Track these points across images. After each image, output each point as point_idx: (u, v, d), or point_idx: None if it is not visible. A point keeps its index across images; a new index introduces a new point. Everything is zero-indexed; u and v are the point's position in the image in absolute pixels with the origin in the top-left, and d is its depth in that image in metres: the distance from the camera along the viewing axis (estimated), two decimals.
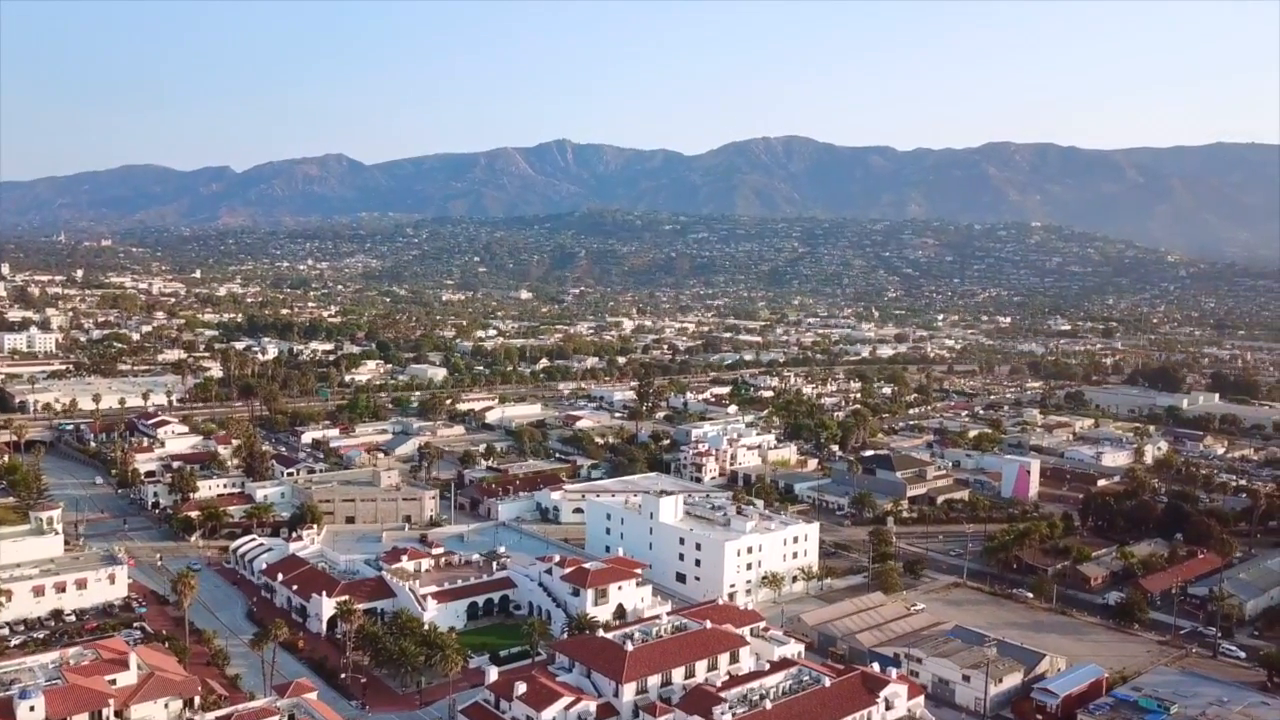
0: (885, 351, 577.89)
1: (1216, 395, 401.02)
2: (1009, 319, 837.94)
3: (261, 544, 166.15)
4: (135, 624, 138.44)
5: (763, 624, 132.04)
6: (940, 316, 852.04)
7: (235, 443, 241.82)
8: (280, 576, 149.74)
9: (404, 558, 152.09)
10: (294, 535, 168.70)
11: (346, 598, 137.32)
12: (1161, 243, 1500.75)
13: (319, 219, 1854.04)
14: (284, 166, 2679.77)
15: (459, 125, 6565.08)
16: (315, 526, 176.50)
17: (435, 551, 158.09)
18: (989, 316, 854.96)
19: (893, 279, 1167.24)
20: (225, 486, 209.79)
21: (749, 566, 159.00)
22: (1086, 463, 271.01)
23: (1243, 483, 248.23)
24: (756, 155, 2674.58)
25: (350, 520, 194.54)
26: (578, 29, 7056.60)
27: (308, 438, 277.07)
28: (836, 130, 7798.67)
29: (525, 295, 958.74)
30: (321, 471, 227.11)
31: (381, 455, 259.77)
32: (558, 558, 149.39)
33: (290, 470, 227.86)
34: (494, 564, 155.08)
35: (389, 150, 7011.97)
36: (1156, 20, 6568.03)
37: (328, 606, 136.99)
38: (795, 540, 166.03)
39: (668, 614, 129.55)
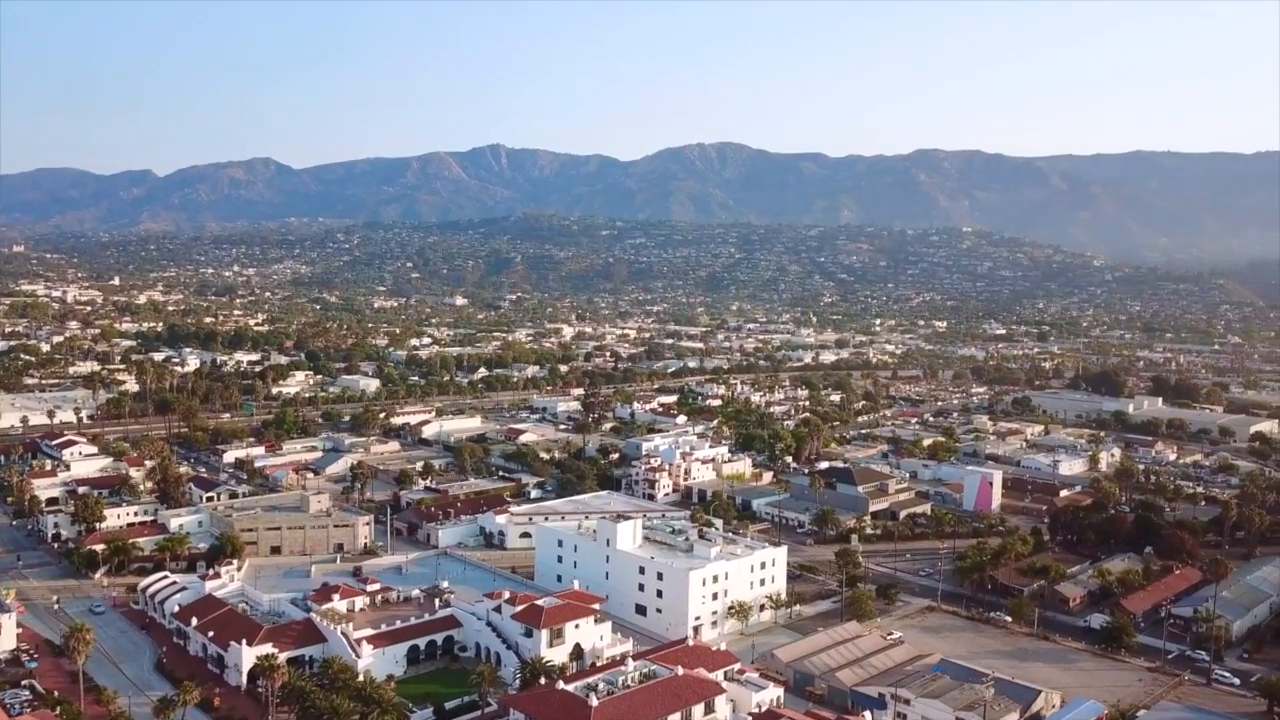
0: (827, 357, 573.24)
1: (1160, 400, 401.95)
2: (944, 323, 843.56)
3: (174, 582, 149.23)
4: (24, 682, 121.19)
5: (737, 666, 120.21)
6: (877, 321, 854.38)
7: (149, 464, 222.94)
8: (195, 621, 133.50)
9: (335, 596, 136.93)
10: (211, 572, 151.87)
11: (270, 646, 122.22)
12: (1086, 247, 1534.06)
13: (246, 224, 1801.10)
14: (209, 170, 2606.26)
15: (390, 129, 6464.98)
16: (235, 561, 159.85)
17: (370, 588, 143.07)
18: (925, 321, 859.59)
19: (828, 284, 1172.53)
20: (136, 515, 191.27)
21: (714, 597, 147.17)
22: (1044, 472, 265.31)
23: (1201, 490, 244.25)
24: (691, 161, 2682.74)
25: (276, 550, 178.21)
26: (510, 32, 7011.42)
27: (230, 457, 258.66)
28: (769, 137, 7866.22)
29: (460, 301, 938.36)
30: (244, 496, 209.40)
31: (311, 475, 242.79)
32: (507, 594, 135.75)
33: (210, 494, 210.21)
34: (436, 601, 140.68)
35: (318, 154, 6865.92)
36: (1074, 31, 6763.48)
37: (248, 656, 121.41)
38: (763, 566, 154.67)
39: (633, 657, 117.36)
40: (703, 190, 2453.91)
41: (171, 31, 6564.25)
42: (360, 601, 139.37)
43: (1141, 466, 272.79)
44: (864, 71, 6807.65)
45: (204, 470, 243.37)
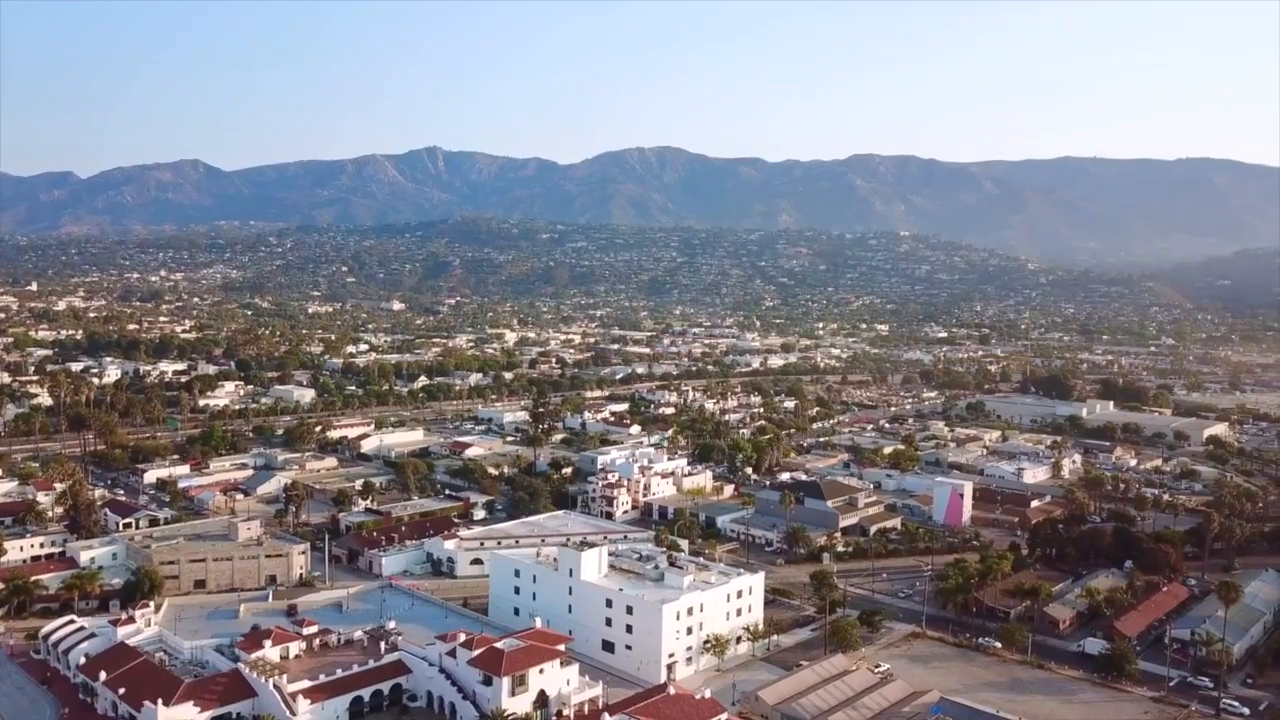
0: (775, 362, 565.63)
1: (1110, 403, 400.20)
2: (886, 326, 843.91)
3: (82, 628, 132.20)
4: None
5: (724, 716, 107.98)
6: (819, 325, 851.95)
7: (59, 487, 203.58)
8: (104, 674, 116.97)
9: (267, 642, 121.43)
10: (125, 615, 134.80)
11: (190, 705, 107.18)
12: (1019, 251, 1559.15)
13: (173, 228, 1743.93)
14: (134, 172, 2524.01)
15: (324, 131, 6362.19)
16: (152, 602, 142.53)
17: (307, 631, 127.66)
18: (866, 324, 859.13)
19: (769, 288, 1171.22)
20: (42, 547, 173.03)
21: (689, 631, 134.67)
22: (1010, 481, 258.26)
23: (1167, 498, 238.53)
24: (630, 165, 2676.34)
25: (200, 584, 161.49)
26: (447, 34, 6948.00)
27: (151, 477, 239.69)
28: (707, 142, 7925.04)
29: (398, 306, 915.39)
30: (165, 523, 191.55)
31: (240, 496, 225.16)
32: (463, 635, 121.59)
33: (127, 520, 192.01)
34: (382, 644, 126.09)
35: (249, 156, 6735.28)
36: (1002, 40, 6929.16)
37: (165, 718, 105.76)
38: (739, 595, 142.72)
39: (608, 710, 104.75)
40: (642, 194, 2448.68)
41: (93, 29, 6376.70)
42: (295, 647, 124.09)
43: (1106, 473, 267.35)
44: (800, 77, 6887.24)
45: (122, 493, 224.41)
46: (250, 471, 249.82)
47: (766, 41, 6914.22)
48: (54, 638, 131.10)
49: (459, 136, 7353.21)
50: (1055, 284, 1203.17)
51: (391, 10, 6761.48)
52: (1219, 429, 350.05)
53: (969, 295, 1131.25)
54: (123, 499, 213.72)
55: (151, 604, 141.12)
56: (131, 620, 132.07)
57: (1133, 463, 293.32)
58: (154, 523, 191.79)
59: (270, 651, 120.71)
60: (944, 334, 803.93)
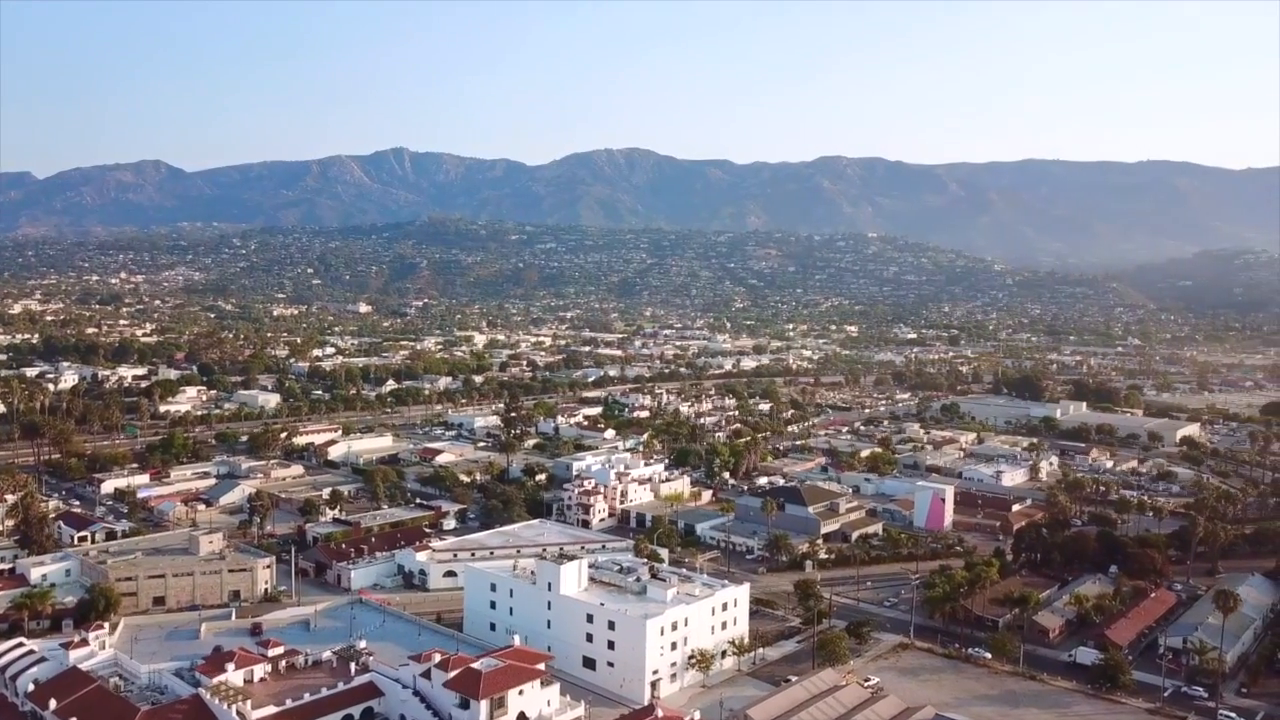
0: (748, 364, 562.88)
1: (1083, 404, 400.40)
2: (855, 328, 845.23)
3: (31, 651, 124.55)
4: None
5: None
6: (789, 326, 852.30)
7: (9, 499, 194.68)
8: (54, 703, 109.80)
9: (230, 665, 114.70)
10: (78, 638, 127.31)
11: None
12: (985, 252, 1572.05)
13: (134, 229, 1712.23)
14: (94, 173, 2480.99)
15: (289, 131, 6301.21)
16: (106, 624, 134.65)
17: (272, 653, 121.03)
18: (836, 325, 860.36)
19: (739, 289, 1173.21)
20: None
21: (673, 646, 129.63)
22: (990, 484, 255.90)
23: (1147, 500, 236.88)
24: (599, 166, 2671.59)
25: (159, 602, 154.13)
26: (414, 34, 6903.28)
27: (109, 487, 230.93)
28: (676, 143, 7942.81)
29: (364, 308, 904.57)
30: (123, 535, 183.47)
31: (202, 507, 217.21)
32: (438, 655, 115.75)
33: (82, 534, 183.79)
34: (352, 665, 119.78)
35: (212, 157, 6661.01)
36: (965, 42, 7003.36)
37: None
38: (724, 608, 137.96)
39: None
40: (611, 195, 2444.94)
41: (53, 28, 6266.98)
42: (260, 670, 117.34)
43: (1083, 475, 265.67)
44: (767, 78, 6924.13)
45: (77, 504, 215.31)
46: (212, 480, 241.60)
47: (734, 43, 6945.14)
48: (1, 662, 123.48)
49: (426, 137, 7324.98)
50: (1021, 285, 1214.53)
51: (358, 11, 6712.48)
52: (1192, 430, 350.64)
53: (937, 296, 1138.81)
54: (78, 510, 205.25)
55: (107, 624, 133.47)
56: (85, 643, 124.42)
57: (1109, 464, 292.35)
58: (111, 536, 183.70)
59: (233, 675, 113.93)
60: (913, 335, 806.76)
